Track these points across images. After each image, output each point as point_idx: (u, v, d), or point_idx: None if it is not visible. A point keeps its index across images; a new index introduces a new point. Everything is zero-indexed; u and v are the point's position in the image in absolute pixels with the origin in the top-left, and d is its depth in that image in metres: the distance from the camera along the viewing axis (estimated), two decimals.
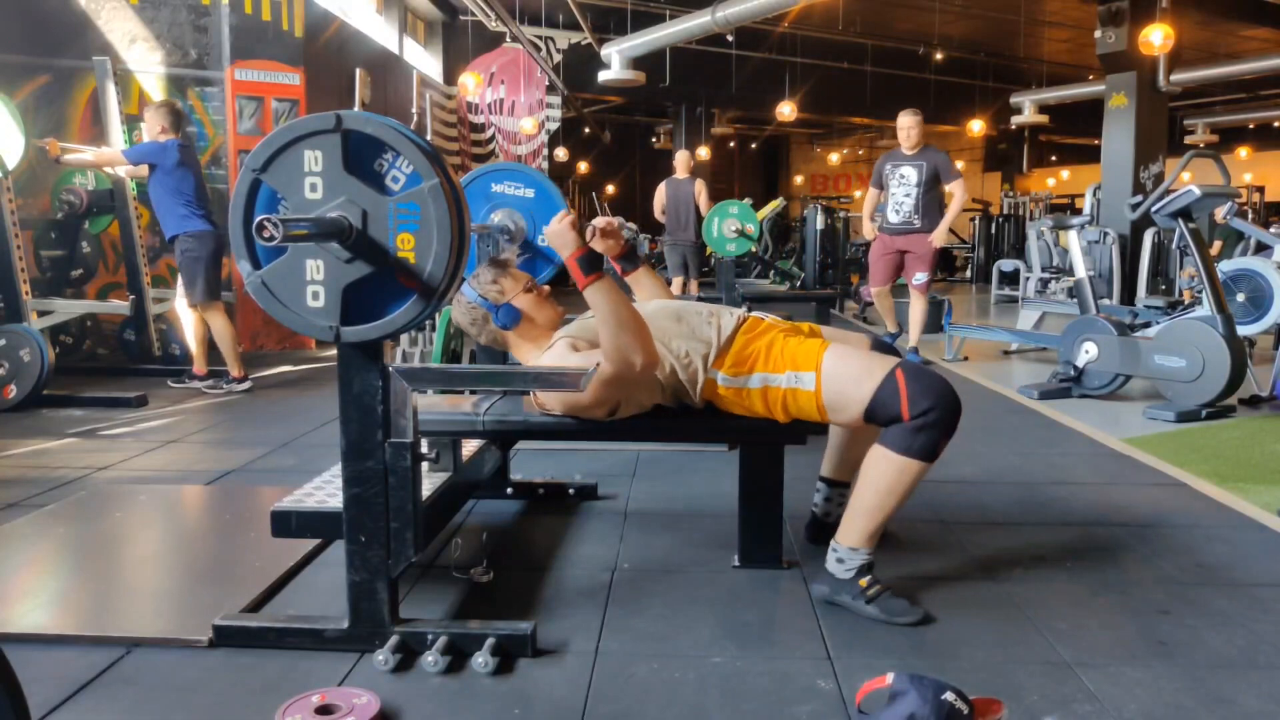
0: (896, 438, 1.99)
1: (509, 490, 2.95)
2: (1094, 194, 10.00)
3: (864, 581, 2.06)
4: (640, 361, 2.00)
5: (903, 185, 5.92)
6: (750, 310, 2.36)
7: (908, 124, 5.98)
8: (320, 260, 1.69)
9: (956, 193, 6.07)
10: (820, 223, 9.42)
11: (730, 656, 1.87)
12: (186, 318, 5.22)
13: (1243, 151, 20.02)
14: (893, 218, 5.98)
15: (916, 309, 6.08)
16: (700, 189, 8.14)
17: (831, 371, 2.08)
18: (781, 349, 2.15)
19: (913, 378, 2.00)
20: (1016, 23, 13.01)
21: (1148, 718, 1.64)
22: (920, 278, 6.00)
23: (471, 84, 10.84)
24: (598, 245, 2.16)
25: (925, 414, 1.96)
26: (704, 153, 16.49)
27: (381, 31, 10.43)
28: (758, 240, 7.77)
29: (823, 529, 2.45)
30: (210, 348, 5.14)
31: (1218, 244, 8.19)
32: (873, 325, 8.50)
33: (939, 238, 5.97)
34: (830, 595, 2.11)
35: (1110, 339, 4.67)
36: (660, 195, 8.35)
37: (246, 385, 5.04)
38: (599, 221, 2.20)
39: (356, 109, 5.86)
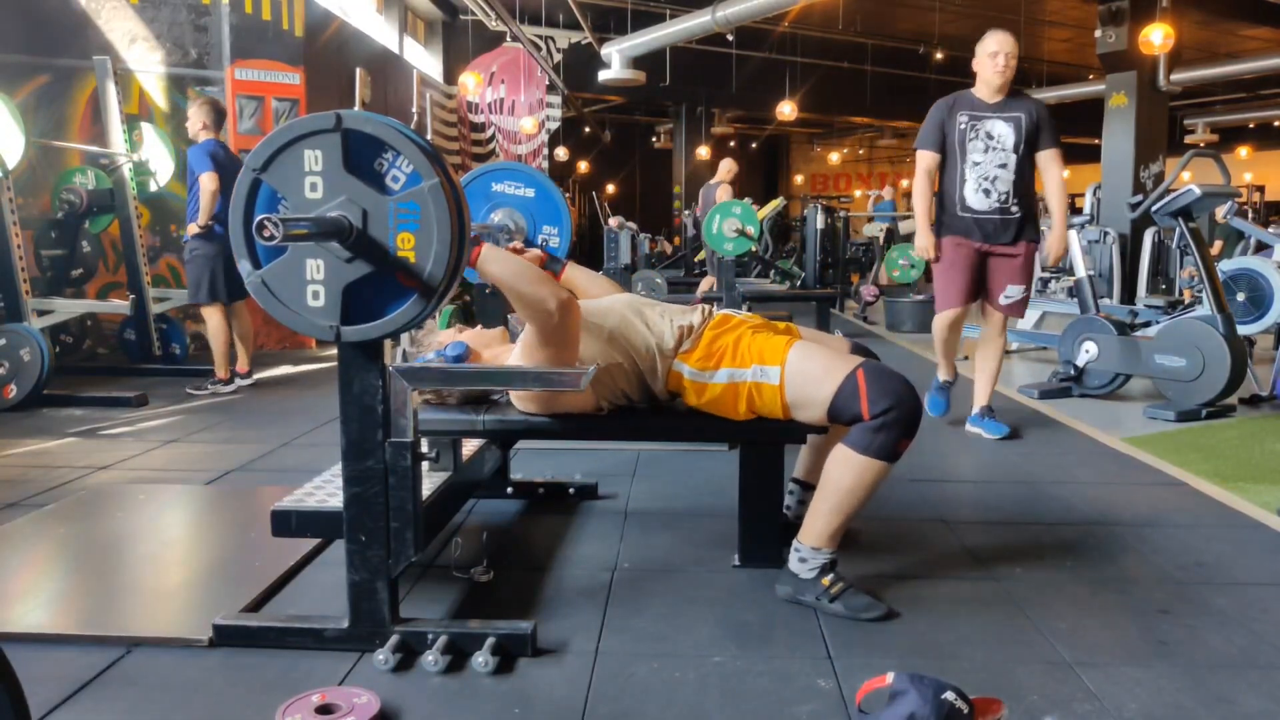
0: (857, 437, 2.01)
1: (509, 490, 2.95)
2: (1094, 193, 9.99)
3: (827, 580, 2.07)
4: (552, 305, 2.00)
5: (994, 150, 3.72)
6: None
7: (1003, 48, 3.72)
8: (320, 260, 1.69)
9: (1056, 167, 3.81)
10: (820, 222, 9.42)
11: (730, 656, 1.87)
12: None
13: (1243, 151, 20.02)
14: (977, 202, 3.74)
15: (993, 347, 3.92)
16: (722, 193, 8.51)
17: (795, 368, 2.09)
18: (749, 344, 2.15)
19: (873, 378, 2.01)
20: (1016, 22, 12.99)
21: (1148, 717, 1.64)
22: (1014, 292, 3.80)
23: (471, 83, 10.84)
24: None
25: (885, 414, 1.97)
26: (704, 152, 16.50)
27: (381, 31, 10.43)
28: (758, 240, 7.78)
29: (792, 530, 2.45)
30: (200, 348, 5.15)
31: (1218, 243, 8.19)
32: (872, 325, 8.49)
33: (1058, 246, 3.86)
34: (794, 594, 2.11)
35: (1110, 338, 4.67)
36: (700, 199, 8.98)
37: (230, 389, 5.05)
38: None
39: (356, 108, 5.86)
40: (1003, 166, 3.73)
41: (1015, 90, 3.84)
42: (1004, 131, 3.74)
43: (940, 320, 3.93)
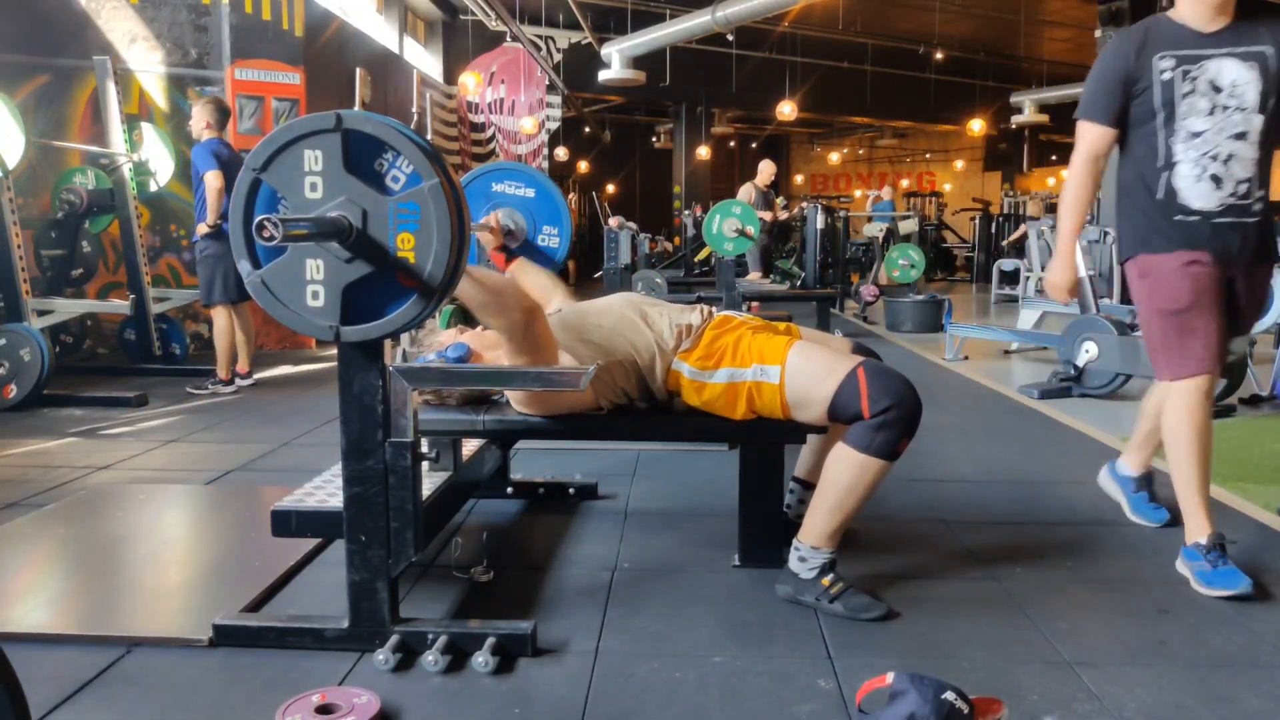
0: (857, 436, 2.01)
1: (509, 490, 2.95)
2: None
3: (827, 580, 2.07)
4: (517, 316, 2.02)
5: (1226, 111, 2.25)
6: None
7: None
8: (320, 260, 1.69)
9: None
10: (820, 222, 9.43)
11: (730, 656, 1.87)
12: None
13: None
14: (1200, 196, 2.27)
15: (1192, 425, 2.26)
16: (739, 192, 8.97)
17: (796, 368, 2.09)
18: (749, 344, 2.16)
19: (873, 376, 2.01)
20: (1016, 22, 13.03)
21: (1148, 717, 1.64)
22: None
23: (472, 83, 10.85)
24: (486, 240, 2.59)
25: (885, 412, 1.97)
26: (704, 152, 16.50)
27: (381, 31, 10.43)
28: (757, 240, 7.82)
29: (792, 529, 2.46)
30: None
31: None
32: (872, 325, 8.49)
33: None
34: (794, 595, 2.11)
35: (1110, 338, 4.67)
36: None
37: (231, 389, 5.06)
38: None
39: (357, 108, 5.86)
40: (1240, 137, 2.24)
41: (1242, 6, 2.26)
42: (1241, 78, 2.22)
43: (1185, 397, 2.26)
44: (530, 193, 2.87)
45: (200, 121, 4.95)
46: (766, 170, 9.36)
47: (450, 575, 2.28)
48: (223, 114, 5.02)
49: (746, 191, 8.92)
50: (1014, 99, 15.91)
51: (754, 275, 9.13)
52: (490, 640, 1.82)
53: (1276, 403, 4.64)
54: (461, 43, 12.30)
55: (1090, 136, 2.38)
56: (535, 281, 2.66)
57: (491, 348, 2.34)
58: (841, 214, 10.91)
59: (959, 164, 22.33)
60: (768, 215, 9.01)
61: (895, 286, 9.78)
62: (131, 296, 5.59)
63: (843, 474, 2.03)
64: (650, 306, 2.29)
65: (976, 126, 15.31)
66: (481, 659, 1.79)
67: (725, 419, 2.19)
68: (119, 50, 6.55)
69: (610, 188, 21.39)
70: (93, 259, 6.12)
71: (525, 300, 2.05)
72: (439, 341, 2.32)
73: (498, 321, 2.03)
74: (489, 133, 12.13)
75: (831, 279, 10.19)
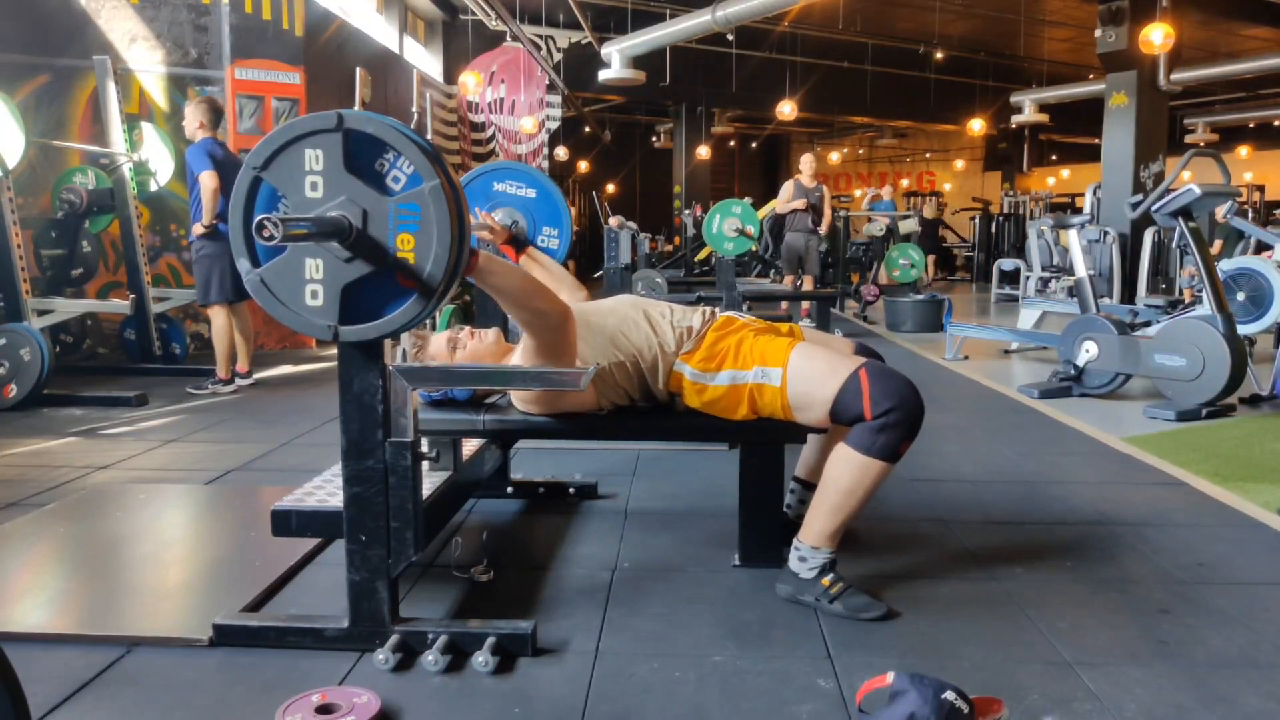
0: (859, 437, 2.01)
1: (509, 489, 2.95)
2: (1094, 193, 10.00)
3: (826, 580, 2.07)
4: (552, 321, 2.01)
5: None
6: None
7: None
8: (320, 259, 1.68)
9: None
10: None
11: (730, 655, 1.87)
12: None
13: (1243, 150, 20.02)
14: None
15: None
16: (781, 190, 8.64)
17: (798, 369, 2.09)
18: (751, 346, 2.16)
19: (876, 378, 2.01)
20: (1017, 22, 13.02)
21: (1148, 717, 1.64)
22: None
23: (472, 83, 10.83)
24: (485, 235, 2.62)
25: (887, 414, 1.97)
26: (704, 152, 16.50)
27: (382, 31, 10.43)
28: (758, 239, 7.78)
29: (792, 529, 2.46)
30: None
31: (1218, 243, 8.20)
32: (872, 325, 8.50)
33: None
34: (794, 594, 2.11)
35: (1110, 338, 4.67)
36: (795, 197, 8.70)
37: (231, 388, 5.06)
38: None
39: (357, 108, 5.85)
40: None
41: None
42: None
43: None
44: (531, 193, 2.87)
45: (193, 121, 4.95)
46: (809, 164, 8.63)
47: (450, 575, 2.28)
48: (216, 113, 5.01)
49: (786, 189, 8.56)
50: (1014, 99, 15.91)
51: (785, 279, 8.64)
52: (490, 640, 1.82)
53: (1276, 402, 4.64)
54: (461, 42, 12.29)
55: None
56: (547, 270, 2.69)
57: (494, 357, 2.33)
58: (841, 214, 10.90)
59: (959, 164, 22.33)
60: (800, 204, 8.23)
61: (895, 286, 9.79)
62: (131, 296, 5.59)
63: (844, 475, 2.03)
64: (653, 307, 2.29)
65: (976, 126, 15.30)
66: (481, 659, 1.79)
67: (725, 419, 2.19)
68: (119, 50, 6.54)
69: (610, 188, 21.38)
70: (93, 259, 6.12)
71: (559, 304, 2.05)
72: (430, 354, 2.30)
73: (530, 325, 2.02)
74: (489, 132, 12.12)
75: (832, 279, 10.18)
